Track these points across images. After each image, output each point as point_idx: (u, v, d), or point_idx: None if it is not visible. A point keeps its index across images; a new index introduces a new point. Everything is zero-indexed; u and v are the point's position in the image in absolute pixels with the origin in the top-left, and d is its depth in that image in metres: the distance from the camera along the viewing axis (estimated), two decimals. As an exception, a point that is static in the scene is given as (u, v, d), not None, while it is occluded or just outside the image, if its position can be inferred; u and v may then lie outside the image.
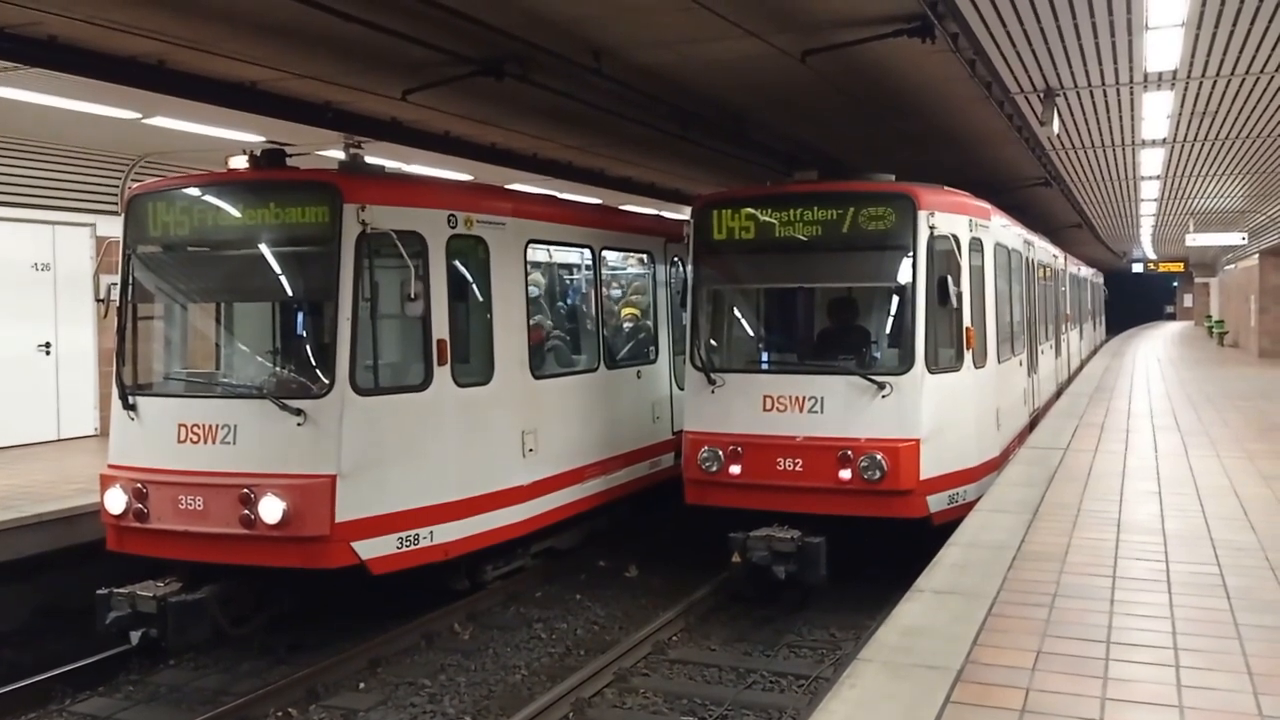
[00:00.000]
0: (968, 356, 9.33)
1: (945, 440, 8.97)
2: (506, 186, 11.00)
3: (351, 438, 7.56)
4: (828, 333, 10.11)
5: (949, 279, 8.83)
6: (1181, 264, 44.63)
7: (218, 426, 7.62)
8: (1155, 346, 34.72)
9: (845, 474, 8.58)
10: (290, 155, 8.60)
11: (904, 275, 8.96)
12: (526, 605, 9.55)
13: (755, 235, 9.34)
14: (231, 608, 7.79)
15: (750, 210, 9.36)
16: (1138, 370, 23.36)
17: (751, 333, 10.48)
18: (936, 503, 8.89)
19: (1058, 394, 17.49)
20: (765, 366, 10.07)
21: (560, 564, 10.46)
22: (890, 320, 9.44)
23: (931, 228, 8.91)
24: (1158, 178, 17.02)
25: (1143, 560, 6.50)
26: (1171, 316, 70.65)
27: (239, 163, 8.29)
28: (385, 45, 8.59)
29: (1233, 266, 33.70)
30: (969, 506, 8.31)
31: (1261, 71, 9.36)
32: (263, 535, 7.35)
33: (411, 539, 7.97)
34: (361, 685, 7.73)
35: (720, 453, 8.95)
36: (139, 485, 7.72)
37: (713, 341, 9.78)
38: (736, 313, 10.27)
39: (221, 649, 8.32)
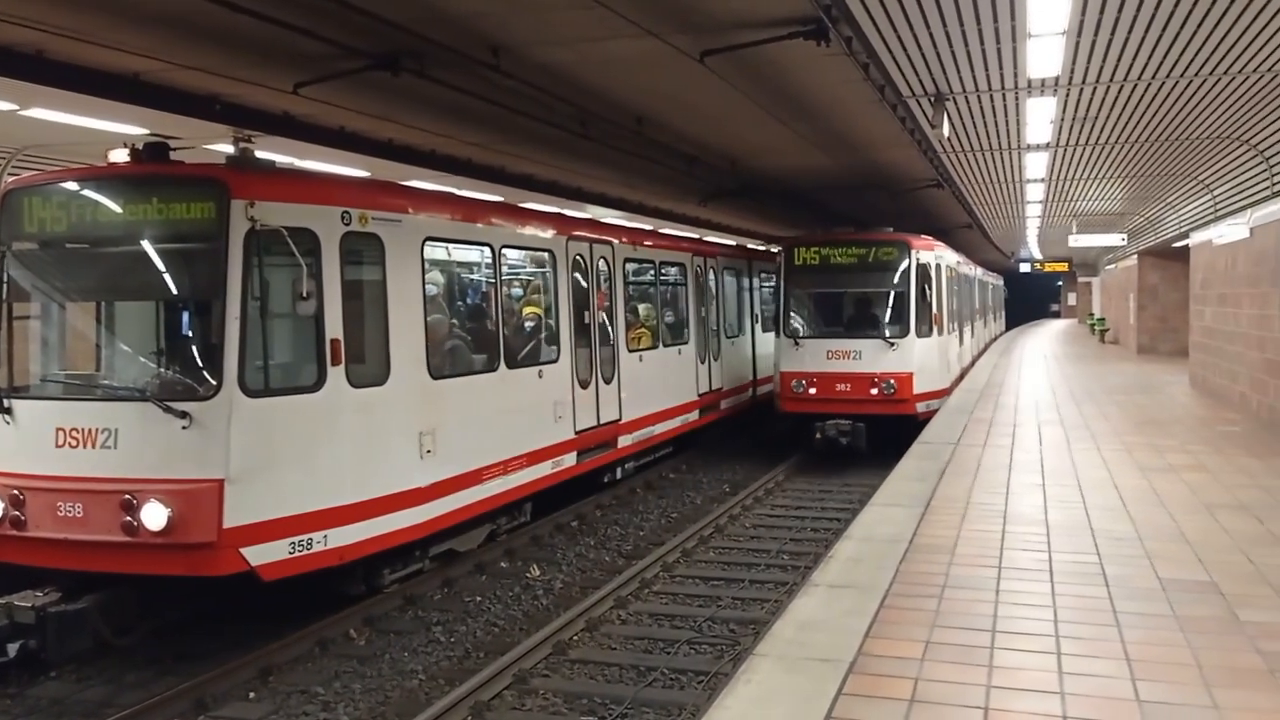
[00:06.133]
0: (935, 329, 16.61)
1: (926, 373, 16.30)
2: (404, 183, 10.79)
3: (240, 440, 7.36)
4: (858, 316, 16.93)
5: (926, 286, 16.38)
6: (1066, 264, 46.21)
7: (98, 430, 7.35)
8: (1041, 344, 35.97)
9: (874, 391, 15.85)
10: (176, 149, 8.33)
11: (902, 285, 16.27)
12: (425, 608, 9.41)
13: (819, 262, 16.76)
14: (114, 617, 7.53)
15: (816, 247, 16.82)
16: (1025, 366, 24.16)
17: (817, 315, 17.34)
18: (922, 406, 16.07)
19: (974, 361, 25.68)
20: (825, 333, 16.79)
21: (460, 566, 10.34)
22: (894, 309, 16.36)
23: (916, 258, 16.32)
24: (1042, 180, 17.61)
25: (1027, 551, 6.72)
26: (1057, 314, 73.26)
27: (120, 156, 8.00)
28: (276, 37, 8.37)
29: (1113, 266, 35.04)
30: (934, 413, 15.55)
31: (1139, 79, 9.75)
32: (146, 543, 7.10)
33: (304, 544, 7.78)
34: (252, 695, 7.52)
35: (804, 381, 16.22)
36: (15, 492, 7.41)
37: (795, 321, 16.82)
38: (809, 305, 17.27)
39: (105, 660, 8.01)
